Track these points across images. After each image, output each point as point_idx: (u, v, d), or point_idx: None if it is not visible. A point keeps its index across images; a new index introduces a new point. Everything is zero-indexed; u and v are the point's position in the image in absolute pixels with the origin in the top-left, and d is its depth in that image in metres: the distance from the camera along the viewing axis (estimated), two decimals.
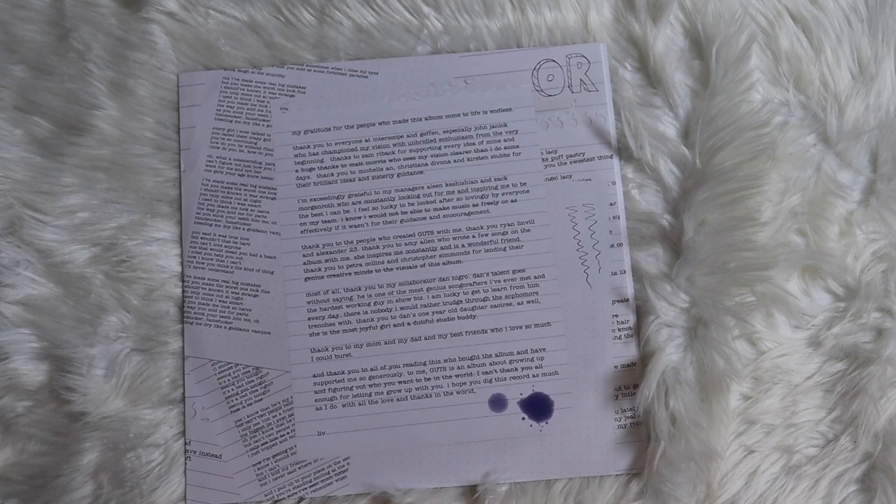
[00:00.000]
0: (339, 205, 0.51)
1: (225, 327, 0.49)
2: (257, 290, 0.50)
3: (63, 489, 0.47)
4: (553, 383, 0.49)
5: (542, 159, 0.51)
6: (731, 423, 0.48)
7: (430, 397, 0.49)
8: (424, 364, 0.49)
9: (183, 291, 0.50)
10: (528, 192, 0.50)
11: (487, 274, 0.49)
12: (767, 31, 0.52)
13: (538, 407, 0.48)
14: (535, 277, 0.49)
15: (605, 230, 0.50)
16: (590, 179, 0.50)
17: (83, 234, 0.50)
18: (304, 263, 0.50)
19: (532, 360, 0.49)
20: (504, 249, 0.50)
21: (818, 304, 0.49)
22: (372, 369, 0.49)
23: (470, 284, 0.49)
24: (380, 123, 0.51)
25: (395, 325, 0.49)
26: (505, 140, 0.51)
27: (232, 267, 0.50)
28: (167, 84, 0.52)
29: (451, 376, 0.49)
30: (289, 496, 0.48)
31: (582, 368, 0.49)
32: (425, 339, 0.49)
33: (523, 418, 0.48)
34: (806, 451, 0.48)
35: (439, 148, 0.51)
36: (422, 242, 0.50)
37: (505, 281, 0.49)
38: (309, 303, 0.49)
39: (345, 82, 0.52)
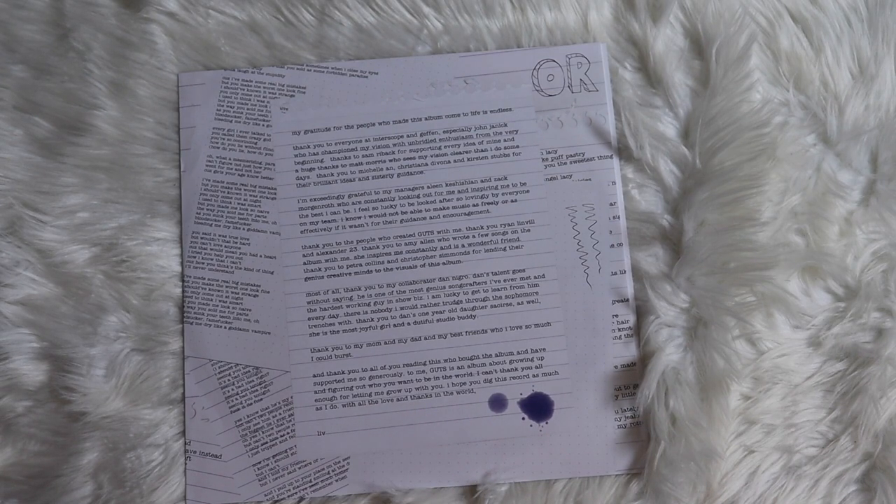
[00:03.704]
0: (339, 205, 0.51)
1: (225, 327, 0.49)
2: (257, 290, 0.50)
3: (63, 489, 0.47)
4: (553, 383, 0.49)
5: (542, 159, 0.51)
6: (731, 423, 0.48)
7: (430, 397, 0.49)
8: (424, 364, 0.49)
9: (183, 291, 0.50)
10: (528, 192, 0.50)
11: (487, 274, 0.49)
12: (767, 31, 0.52)
13: (538, 407, 0.48)
14: (535, 277, 0.49)
15: (605, 230, 0.50)
16: (590, 179, 0.50)
17: (83, 234, 0.50)
18: (304, 263, 0.50)
19: (532, 360, 0.49)
20: (504, 249, 0.50)
21: (818, 304, 0.49)
22: (372, 369, 0.49)
23: (470, 284, 0.49)
24: (380, 123, 0.51)
25: (395, 325, 0.49)
26: (505, 140, 0.51)
27: (232, 267, 0.50)
28: (167, 84, 0.52)
29: (451, 376, 0.49)
30: (289, 496, 0.48)
31: (582, 368, 0.49)
32: (425, 339, 0.49)
33: (523, 418, 0.48)
34: (806, 451, 0.48)
35: (439, 148, 0.51)
36: (422, 242, 0.50)
37: (505, 281, 0.49)
38: (309, 303, 0.49)
39: (345, 82, 0.52)
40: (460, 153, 0.51)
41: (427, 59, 0.52)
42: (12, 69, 0.51)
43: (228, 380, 0.49)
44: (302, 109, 0.51)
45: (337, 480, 0.48)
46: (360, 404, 0.49)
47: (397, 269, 0.50)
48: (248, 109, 0.52)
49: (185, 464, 0.48)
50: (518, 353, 0.49)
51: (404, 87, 0.52)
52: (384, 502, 0.48)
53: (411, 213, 0.50)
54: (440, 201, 0.50)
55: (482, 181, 0.51)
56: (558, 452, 0.48)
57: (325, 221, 0.50)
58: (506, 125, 0.51)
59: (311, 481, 0.48)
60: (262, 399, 0.49)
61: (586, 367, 0.49)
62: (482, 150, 0.51)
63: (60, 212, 0.50)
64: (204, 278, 0.50)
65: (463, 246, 0.50)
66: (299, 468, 0.48)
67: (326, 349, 0.49)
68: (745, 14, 0.51)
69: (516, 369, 0.49)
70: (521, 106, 0.51)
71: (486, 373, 0.49)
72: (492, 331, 0.49)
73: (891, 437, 0.48)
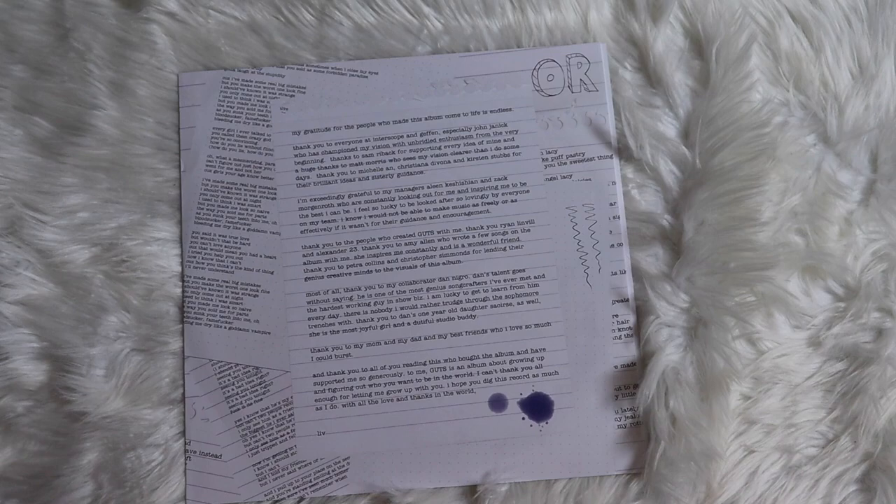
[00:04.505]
0: (339, 205, 0.51)
1: (225, 327, 0.49)
2: (257, 290, 0.50)
3: (63, 489, 0.47)
4: (553, 383, 0.49)
5: (542, 159, 0.51)
6: (731, 423, 0.48)
7: (430, 397, 0.49)
8: (424, 364, 0.49)
9: (183, 291, 0.50)
10: (528, 192, 0.50)
11: (487, 274, 0.49)
12: (767, 31, 0.52)
13: (538, 407, 0.48)
14: (535, 277, 0.49)
15: (605, 230, 0.50)
16: (590, 179, 0.50)
17: (83, 234, 0.50)
18: (304, 263, 0.50)
19: (532, 360, 0.49)
20: (504, 249, 0.50)
21: (818, 304, 0.49)
22: (372, 369, 0.49)
23: (470, 284, 0.49)
24: (380, 123, 0.51)
25: (395, 325, 0.49)
26: (505, 140, 0.51)
27: (232, 267, 0.50)
28: (167, 84, 0.52)
29: (451, 376, 0.49)
30: (289, 496, 0.48)
31: (582, 368, 0.49)
32: (425, 339, 0.49)
33: (523, 418, 0.48)
34: (806, 451, 0.48)
35: (439, 148, 0.51)
36: (422, 242, 0.50)
37: (505, 281, 0.49)
38: (309, 303, 0.49)
39: (345, 82, 0.52)
40: (460, 153, 0.51)
41: (427, 59, 0.52)
42: (12, 69, 0.51)
43: (228, 380, 0.49)
44: (302, 109, 0.51)
45: (337, 480, 0.48)
46: (360, 404, 0.49)
47: (397, 269, 0.50)
48: (248, 109, 0.52)
49: (185, 464, 0.48)
50: (518, 353, 0.49)
51: (404, 87, 0.52)
52: (384, 502, 0.48)
53: (411, 213, 0.50)
54: (440, 201, 0.50)
55: (482, 181, 0.51)
56: (558, 452, 0.48)
57: (325, 221, 0.50)
58: (506, 125, 0.51)
59: (311, 481, 0.48)
60: (262, 399, 0.49)
61: (586, 367, 0.49)
62: (482, 150, 0.51)
63: (60, 212, 0.50)
64: (204, 278, 0.50)
65: (463, 246, 0.50)
66: (299, 468, 0.48)
67: (326, 349, 0.49)
68: (745, 14, 0.51)
69: (516, 369, 0.49)
70: (521, 106, 0.51)
71: (486, 373, 0.49)
72: (492, 331, 0.49)
73: (891, 437, 0.48)
